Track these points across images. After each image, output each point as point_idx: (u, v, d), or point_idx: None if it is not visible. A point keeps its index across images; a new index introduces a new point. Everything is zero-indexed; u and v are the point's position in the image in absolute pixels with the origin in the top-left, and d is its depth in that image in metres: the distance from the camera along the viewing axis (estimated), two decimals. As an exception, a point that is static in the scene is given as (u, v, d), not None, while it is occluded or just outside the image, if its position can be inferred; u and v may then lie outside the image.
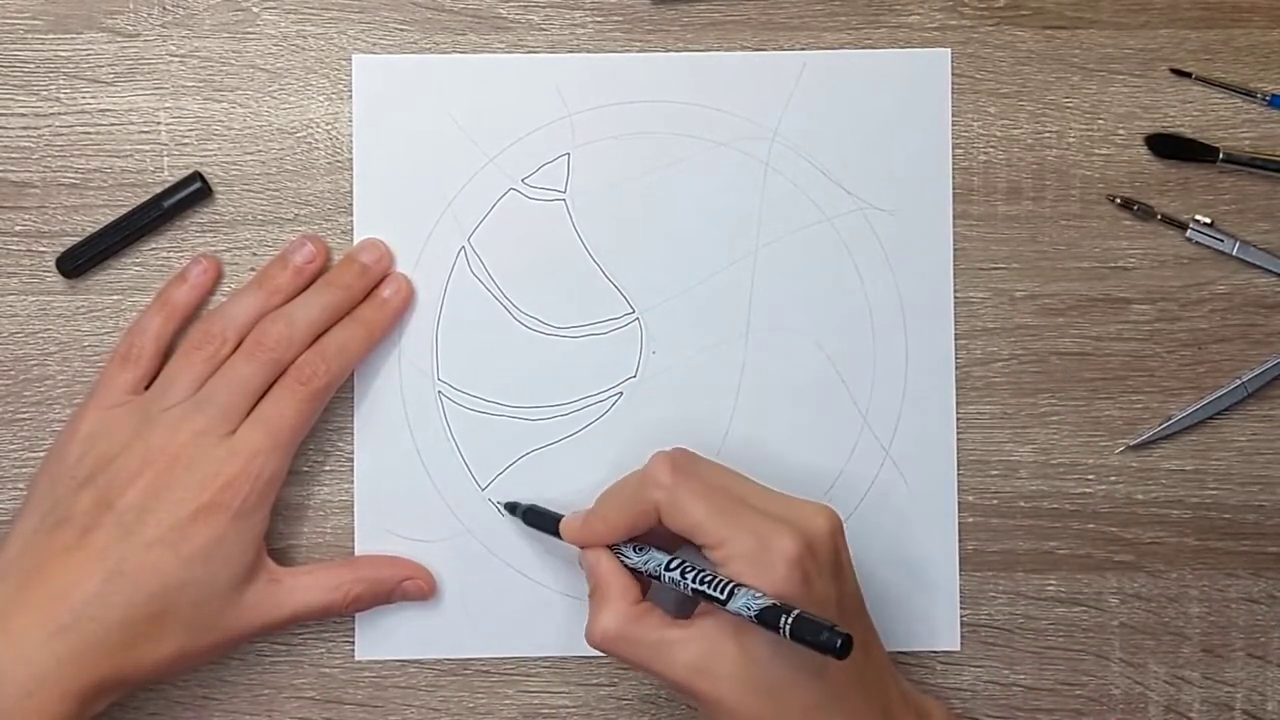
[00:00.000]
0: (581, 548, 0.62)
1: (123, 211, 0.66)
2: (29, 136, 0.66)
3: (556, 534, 0.63)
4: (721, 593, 0.56)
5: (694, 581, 0.57)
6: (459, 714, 0.67)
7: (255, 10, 0.67)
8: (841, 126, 0.67)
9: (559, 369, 0.67)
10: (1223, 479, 0.67)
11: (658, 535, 0.60)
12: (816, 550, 0.57)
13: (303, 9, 0.67)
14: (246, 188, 0.67)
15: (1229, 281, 0.67)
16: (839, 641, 0.53)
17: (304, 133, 0.67)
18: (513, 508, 0.66)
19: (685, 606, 0.60)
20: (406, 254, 0.67)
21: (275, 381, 0.63)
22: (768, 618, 0.55)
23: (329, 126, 0.67)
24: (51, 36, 0.66)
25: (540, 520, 0.64)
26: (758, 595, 0.55)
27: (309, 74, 0.67)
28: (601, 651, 0.60)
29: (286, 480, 0.63)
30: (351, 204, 0.67)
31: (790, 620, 0.54)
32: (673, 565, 0.59)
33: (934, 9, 0.67)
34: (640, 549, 0.61)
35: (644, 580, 0.61)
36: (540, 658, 0.67)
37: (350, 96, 0.67)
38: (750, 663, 0.57)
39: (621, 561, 0.61)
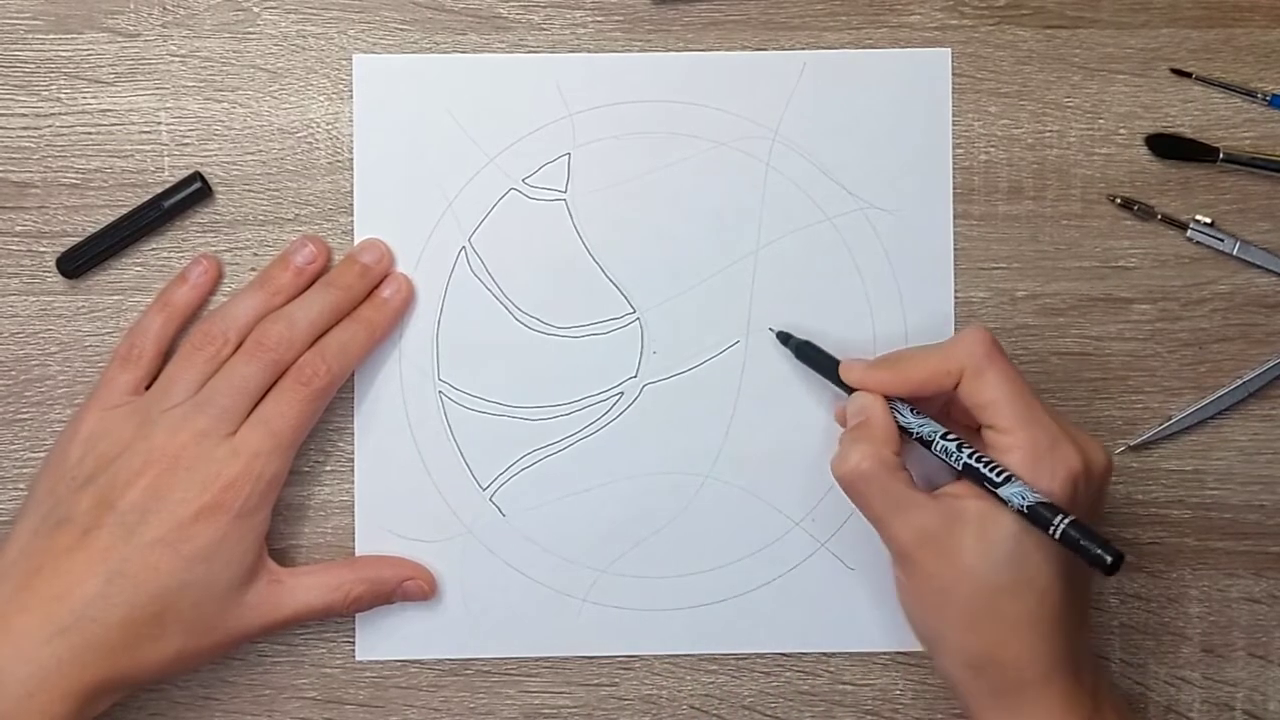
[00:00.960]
0: (855, 391, 0.62)
1: (123, 211, 0.66)
2: (29, 136, 0.66)
3: (832, 375, 0.63)
4: (998, 475, 0.57)
5: (969, 458, 0.58)
6: (459, 714, 0.67)
7: (255, 10, 0.67)
8: (842, 126, 0.67)
9: (559, 369, 0.67)
10: (1223, 479, 0.67)
11: (930, 407, 0.61)
12: (1092, 477, 0.58)
13: (303, 9, 0.67)
14: (247, 188, 0.67)
15: (1229, 281, 0.67)
16: (1111, 558, 0.54)
17: (304, 133, 0.67)
18: (785, 337, 0.66)
19: (934, 484, 0.60)
20: (407, 254, 0.67)
21: (276, 382, 0.63)
22: (1041, 513, 0.55)
23: (329, 126, 0.67)
24: (51, 36, 0.66)
25: (817, 359, 0.64)
26: (1032, 490, 0.56)
27: (309, 74, 0.67)
28: (842, 485, 0.60)
29: (287, 480, 0.64)
30: (352, 204, 0.67)
31: (1065, 522, 0.55)
32: (950, 436, 0.59)
33: (934, 9, 0.67)
34: (917, 412, 0.61)
35: (904, 440, 0.60)
36: (540, 658, 0.67)
37: (350, 96, 0.67)
38: (983, 554, 0.57)
39: (894, 416, 0.61)
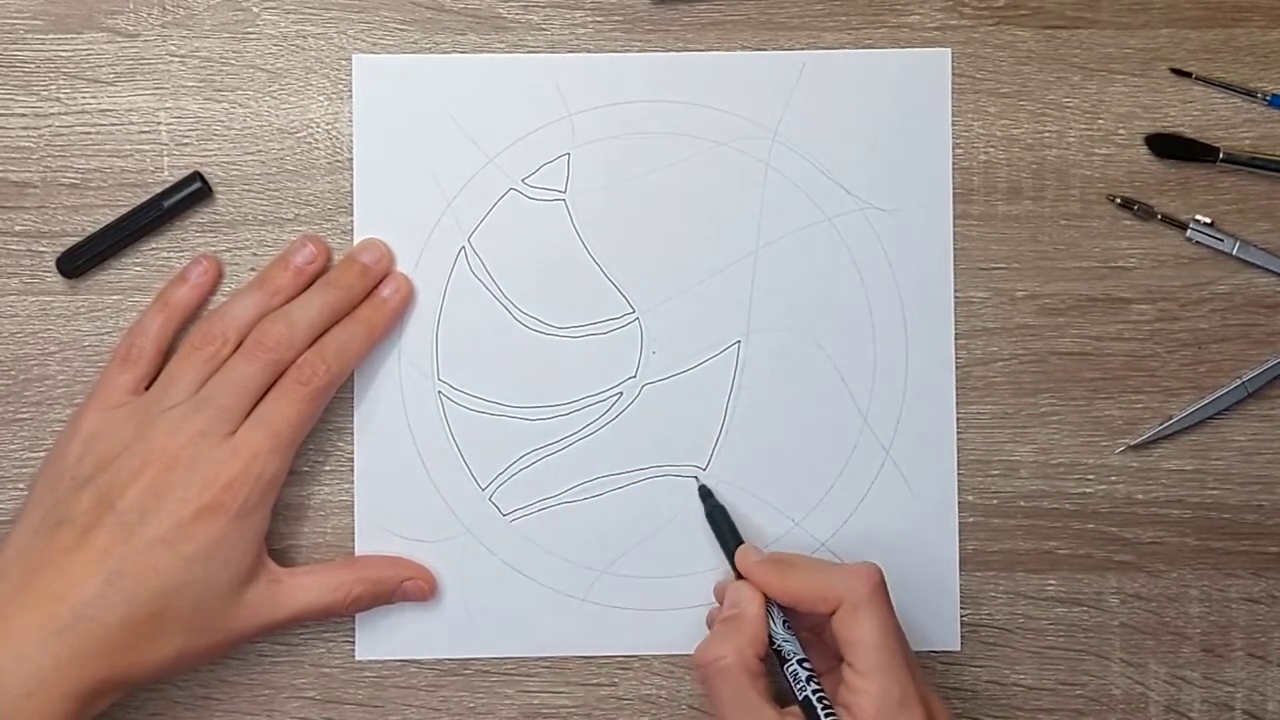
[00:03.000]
0: (738, 578, 0.63)
1: (123, 211, 0.66)
2: (29, 136, 0.66)
3: (730, 553, 0.64)
4: (827, 718, 0.58)
5: (810, 692, 0.59)
6: (459, 714, 0.67)
7: (255, 10, 0.67)
8: (841, 126, 0.67)
9: (559, 369, 0.67)
10: (1223, 479, 0.67)
11: (796, 621, 0.62)
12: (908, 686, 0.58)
13: (303, 9, 0.67)
14: (246, 188, 0.67)
15: (1229, 281, 0.67)
16: None
17: (304, 133, 0.67)
18: (705, 494, 0.66)
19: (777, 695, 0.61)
20: (406, 254, 0.67)
21: (275, 382, 0.63)
22: None
23: (329, 126, 0.67)
24: (51, 36, 0.66)
25: (722, 528, 0.65)
26: None
27: (309, 74, 0.67)
28: (697, 669, 0.61)
29: (287, 480, 0.63)
30: (351, 204, 0.67)
31: None
32: (805, 663, 0.60)
33: (934, 9, 0.67)
34: (788, 625, 0.61)
35: (767, 653, 0.61)
36: (540, 658, 0.67)
37: (350, 96, 0.67)
38: None
39: (768, 617, 0.61)
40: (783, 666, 0.60)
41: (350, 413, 0.66)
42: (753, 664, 0.60)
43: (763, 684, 0.60)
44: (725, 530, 0.65)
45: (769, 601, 0.62)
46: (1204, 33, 0.67)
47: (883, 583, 0.60)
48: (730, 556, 0.64)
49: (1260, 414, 0.67)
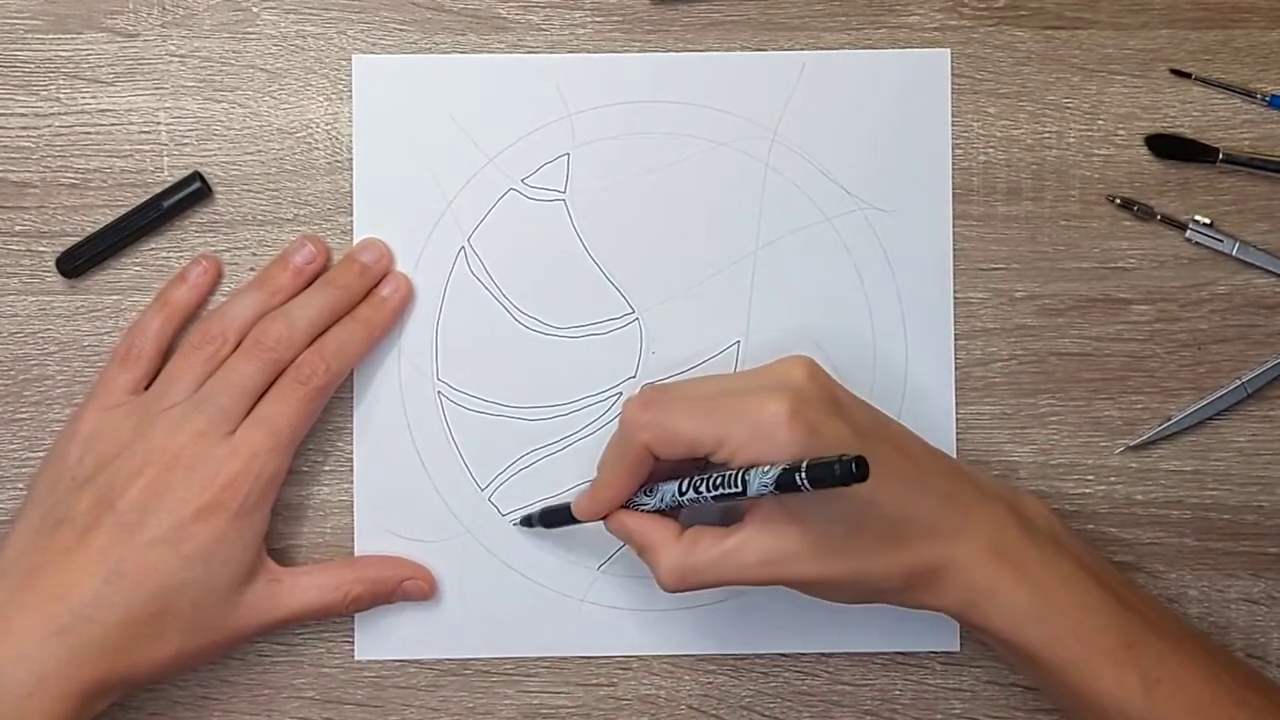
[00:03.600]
0: (603, 520, 0.62)
1: (123, 211, 0.66)
2: (29, 136, 0.66)
3: (574, 521, 0.63)
4: (738, 485, 0.56)
5: (709, 490, 0.57)
6: (459, 714, 0.67)
7: (255, 10, 0.67)
8: (841, 126, 0.67)
9: (559, 369, 0.67)
10: (1222, 479, 0.67)
11: (662, 471, 0.60)
12: (807, 399, 0.57)
13: (303, 9, 0.67)
14: (246, 188, 0.67)
15: (1229, 282, 0.67)
16: (852, 466, 0.51)
17: (304, 133, 0.67)
18: (529, 521, 0.66)
19: (730, 516, 0.60)
20: (406, 254, 0.67)
21: (275, 381, 0.63)
22: (785, 483, 0.53)
23: (329, 126, 0.67)
24: (51, 36, 0.66)
25: (556, 516, 0.64)
26: (766, 470, 0.54)
27: (309, 74, 0.67)
28: (680, 593, 0.59)
29: (286, 480, 0.64)
30: (351, 204, 0.67)
31: (803, 474, 0.52)
32: (684, 488, 0.59)
33: (934, 9, 0.67)
34: (649, 490, 0.61)
35: (674, 515, 0.60)
36: (540, 658, 0.67)
37: (350, 96, 0.67)
38: (810, 530, 0.57)
39: (641, 511, 0.61)
40: (684, 506, 0.59)
41: (350, 413, 0.66)
42: (683, 545, 0.59)
43: (706, 536, 0.58)
44: (560, 516, 0.64)
45: (628, 503, 0.61)
46: (1204, 33, 0.67)
47: (647, 395, 0.59)
48: (575, 522, 0.63)
49: (1260, 414, 0.67)
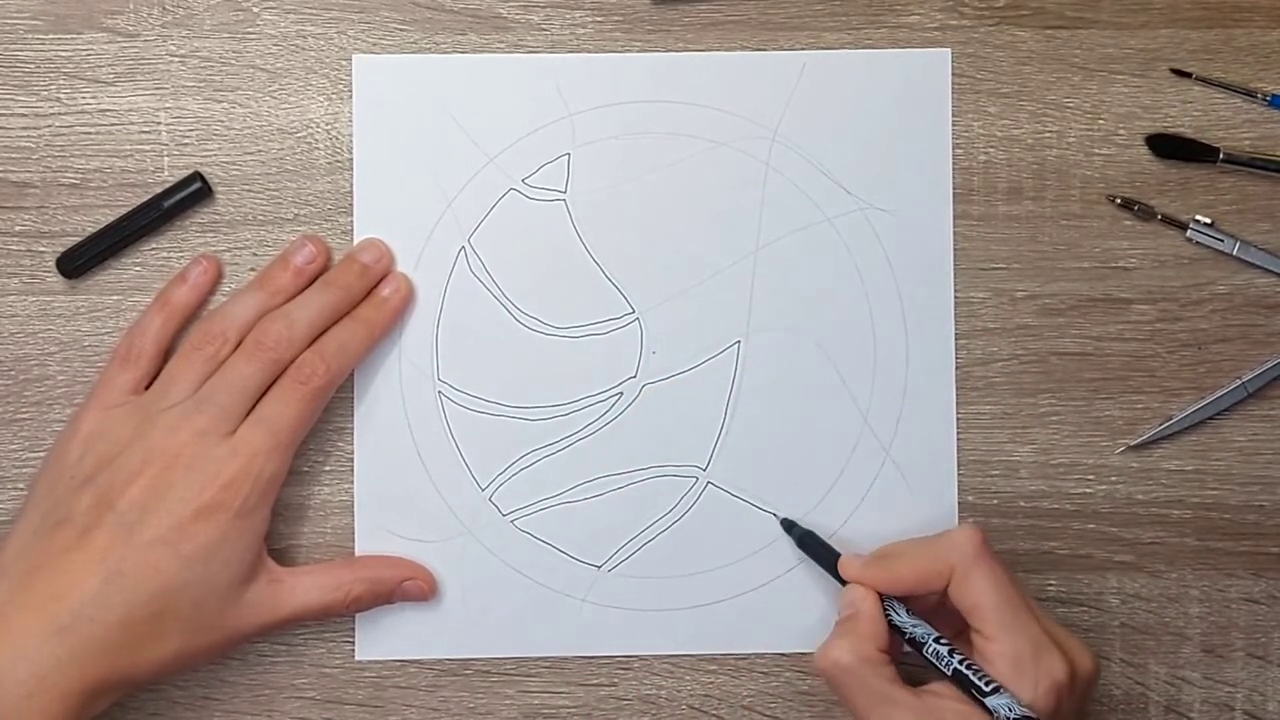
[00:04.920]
0: (848, 583, 0.63)
1: (123, 211, 0.66)
2: (29, 136, 0.66)
3: (831, 568, 0.64)
4: (986, 685, 0.57)
5: (959, 664, 0.58)
6: (459, 714, 0.67)
7: (255, 10, 0.67)
8: (841, 126, 0.67)
9: (559, 369, 0.67)
10: (1223, 479, 0.67)
11: (923, 604, 0.61)
12: (1076, 686, 0.58)
13: (303, 9, 0.67)
14: (246, 188, 0.67)
15: (1229, 281, 0.67)
16: None
17: (304, 133, 0.67)
18: (789, 525, 0.66)
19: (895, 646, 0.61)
20: (406, 254, 0.67)
21: (275, 381, 0.63)
22: None
23: (329, 126, 0.67)
24: (51, 36, 0.66)
25: (817, 550, 0.65)
26: (1019, 704, 0.56)
27: (309, 74, 0.67)
28: (821, 674, 0.61)
29: (286, 480, 0.63)
30: (351, 204, 0.67)
31: None
32: (941, 640, 0.60)
33: (934, 9, 0.67)
34: (912, 612, 0.61)
35: (895, 637, 0.61)
36: (540, 658, 0.67)
37: (350, 96, 0.67)
38: None
39: (887, 616, 0.61)
40: (922, 652, 0.60)
41: (350, 413, 0.66)
42: (874, 656, 0.60)
43: (890, 672, 0.59)
44: (820, 550, 0.65)
45: (886, 598, 0.61)
46: (1204, 33, 0.67)
47: (985, 541, 0.60)
48: (833, 573, 0.64)
49: (1260, 414, 0.67)
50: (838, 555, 0.64)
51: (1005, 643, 0.58)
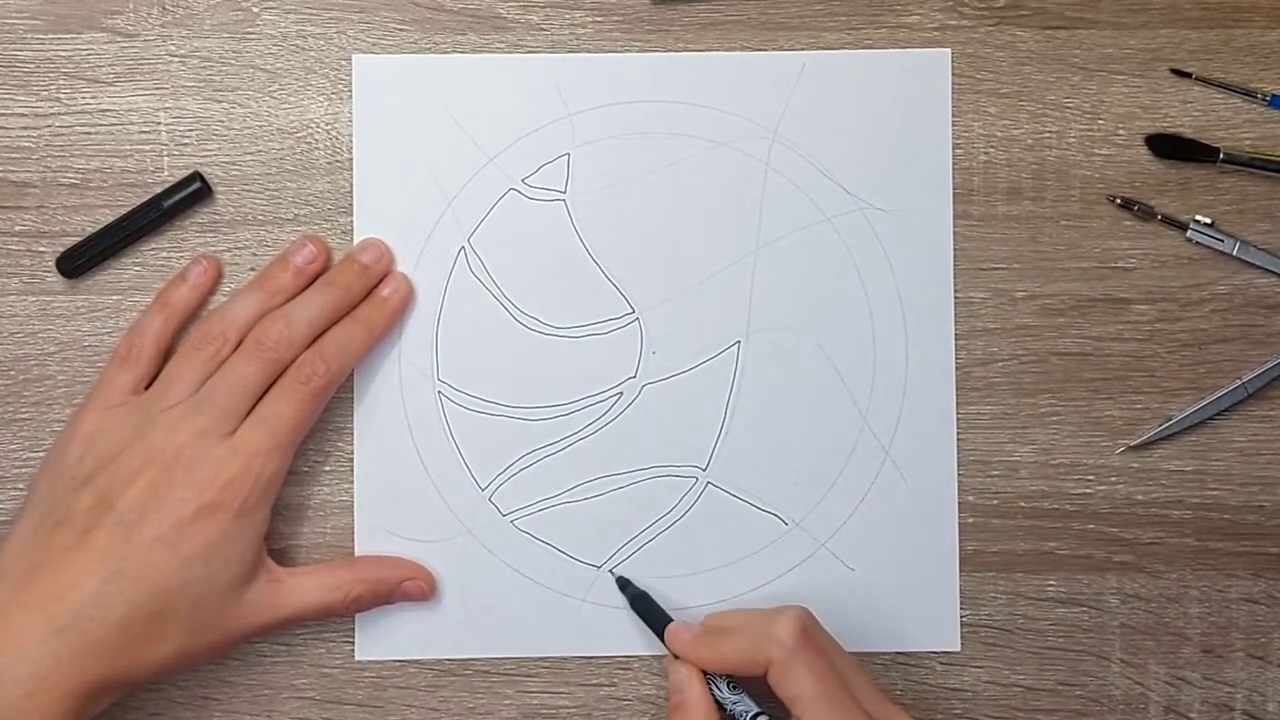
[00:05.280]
0: (674, 659, 0.63)
1: (123, 211, 0.66)
2: (29, 136, 0.66)
3: (658, 631, 0.64)
4: None
5: None
6: (459, 714, 0.67)
7: (255, 10, 0.67)
8: (841, 126, 0.67)
9: (559, 369, 0.67)
10: (1223, 479, 0.67)
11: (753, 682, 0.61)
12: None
13: (303, 9, 0.67)
14: (246, 188, 0.67)
15: (1229, 282, 0.67)
16: None
17: (304, 133, 0.67)
18: (624, 584, 0.66)
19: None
20: (406, 254, 0.67)
21: (275, 381, 0.63)
22: None
23: (329, 126, 0.67)
24: (51, 36, 0.66)
25: (648, 611, 0.65)
26: None
27: (309, 74, 0.67)
28: None
29: (286, 480, 0.63)
30: (351, 204, 0.67)
31: None
32: (762, 717, 0.60)
33: (934, 9, 0.67)
34: (734, 687, 0.61)
35: (723, 711, 0.61)
36: (540, 658, 0.67)
37: (350, 96, 0.67)
38: None
39: (711, 689, 0.61)
40: None
41: (350, 413, 0.66)
42: None
43: None
44: (652, 614, 0.65)
45: (706, 674, 0.62)
46: (1204, 33, 0.67)
47: (808, 629, 0.60)
48: (661, 639, 0.64)
49: (1260, 414, 0.67)
50: (669, 621, 0.64)
51: None
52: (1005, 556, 0.67)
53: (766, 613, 0.61)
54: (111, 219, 0.66)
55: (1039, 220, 0.67)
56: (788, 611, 0.60)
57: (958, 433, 0.67)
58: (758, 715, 0.60)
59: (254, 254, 0.67)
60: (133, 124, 0.67)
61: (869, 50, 0.67)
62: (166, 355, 0.65)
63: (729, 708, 0.61)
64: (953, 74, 0.67)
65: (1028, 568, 0.67)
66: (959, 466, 0.67)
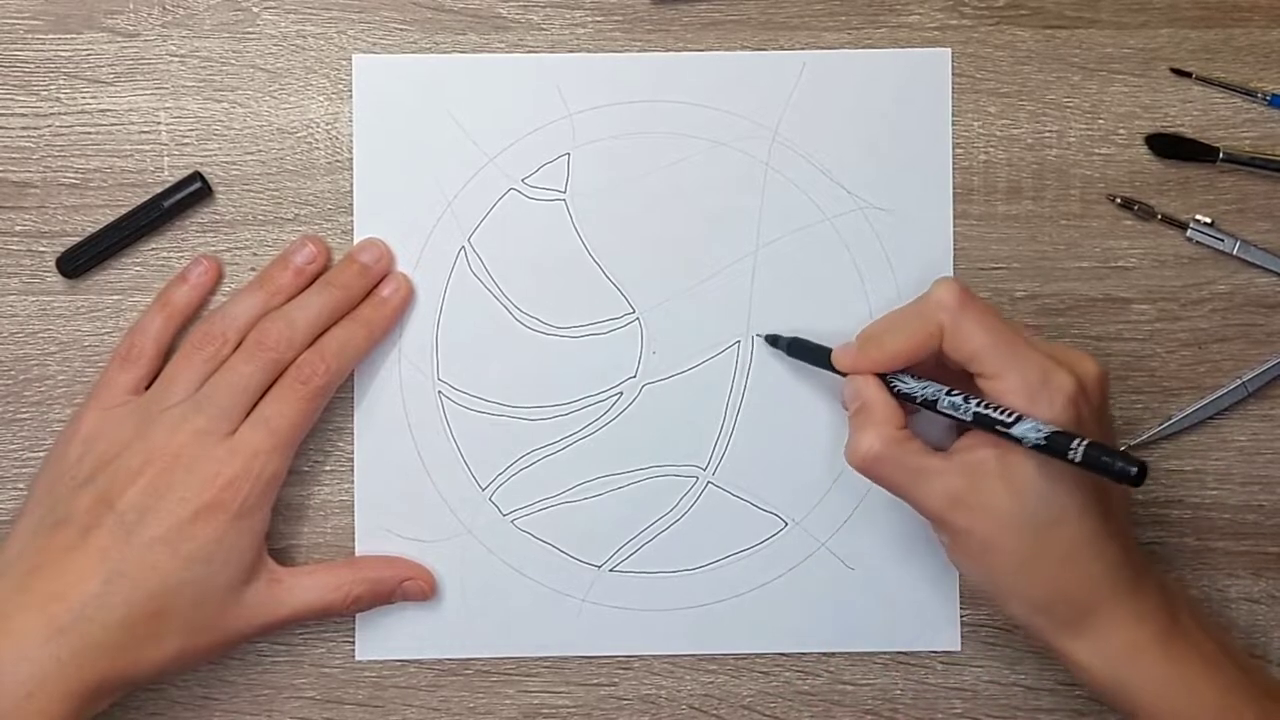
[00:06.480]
0: (850, 374, 0.62)
1: (123, 211, 0.66)
2: (29, 136, 0.66)
3: (826, 364, 0.63)
4: (1008, 417, 0.56)
5: (977, 406, 0.58)
6: (459, 714, 0.67)
7: (255, 10, 0.67)
8: (841, 126, 0.67)
9: (559, 369, 0.67)
10: (1223, 479, 0.67)
11: (924, 368, 0.61)
12: (1089, 393, 0.58)
13: (303, 9, 0.67)
14: (246, 188, 0.67)
15: (1229, 281, 0.67)
16: (1134, 469, 0.53)
17: (304, 133, 0.67)
18: (773, 340, 0.66)
19: (943, 442, 0.60)
20: (406, 254, 0.67)
21: (275, 382, 0.63)
22: (1058, 443, 0.55)
23: (329, 126, 0.67)
24: (51, 36, 0.67)
25: (807, 352, 0.64)
26: (1042, 424, 0.56)
27: (309, 74, 0.67)
28: (860, 472, 0.60)
29: (286, 480, 0.64)
30: (351, 204, 0.67)
31: (1083, 445, 0.54)
32: (953, 392, 0.59)
33: (934, 9, 0.67)
34: (916, 376, 0.60)
35: (908, 410, 0.60)
36: (540, 658, 0.67)
37: (350, 96, 0.67)
38: (1013, 498, 0.57)
39: (893, 389, 0.61)
40: (937, 408, 0.59)
41: (350, 413, 0.66)
42: (897, 435, 0.59)
43: (917, 445, 0.59)
44: (811, 351, 0.64)
45: (884, 376, 0.61)
46: (1204, 33, 0.67)
47: (965, 290, 0.59)
48: (829, 368, 0.63)
49: (1260, 414, 0.67)
50: (829, 351, 0.63)
51: (1011, 377, 0.57)
52: (1005, 556, 0.67)
53: (917, 300, 0.61)
54: (112, 219, 0.66)
55: (1039, 220, 0.67)
56: (940, 282, 0.60)
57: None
58: (950, 390, 0.59)
59: (254, 254, 0.67)
60: (133, 124, 0.67)
61: (869, 50, 0.67)
62: (167, 355, 0.65)
63: (918, 395, 0.60)
64: (953, 73, 0.67)
65: (1028, 567, 0.67)
66: (959, 466, 0.67)
